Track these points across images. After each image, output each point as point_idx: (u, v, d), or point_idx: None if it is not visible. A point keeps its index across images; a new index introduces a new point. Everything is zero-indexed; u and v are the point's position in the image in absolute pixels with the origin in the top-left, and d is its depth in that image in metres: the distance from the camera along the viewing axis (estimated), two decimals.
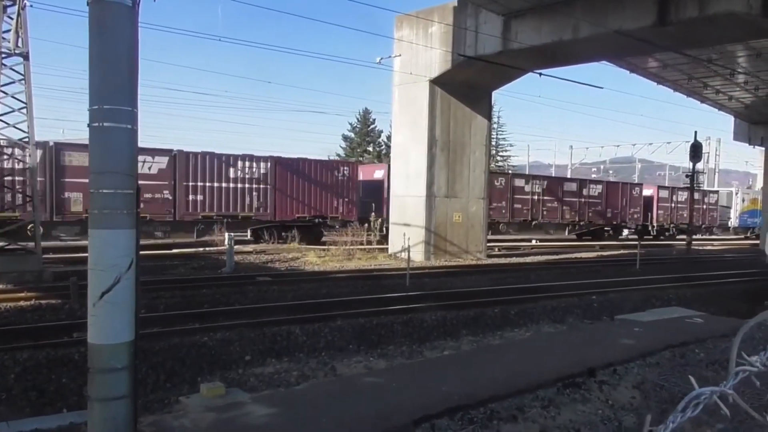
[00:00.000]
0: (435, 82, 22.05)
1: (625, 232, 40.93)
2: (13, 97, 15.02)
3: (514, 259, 24.26)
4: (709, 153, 62.45)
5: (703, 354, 7.89)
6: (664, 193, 42.61)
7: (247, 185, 25.17)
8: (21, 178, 18.40)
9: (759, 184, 54.33)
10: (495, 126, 58.95)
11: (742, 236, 49.74)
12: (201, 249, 23.09)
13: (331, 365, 8.46)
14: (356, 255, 22.17)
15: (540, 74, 20.55)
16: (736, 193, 51.45)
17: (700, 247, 36.44)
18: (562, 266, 22.78)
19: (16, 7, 14.67)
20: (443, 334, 10.94)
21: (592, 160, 76.72)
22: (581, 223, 37.16)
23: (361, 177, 29.57)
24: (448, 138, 22.71)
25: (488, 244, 25.48)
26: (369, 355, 9.25)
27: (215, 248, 22.71)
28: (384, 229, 25.78)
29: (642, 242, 27.08)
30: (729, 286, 18.36)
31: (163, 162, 23.33)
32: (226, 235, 18.79)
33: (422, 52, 22.00)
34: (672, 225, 42.48)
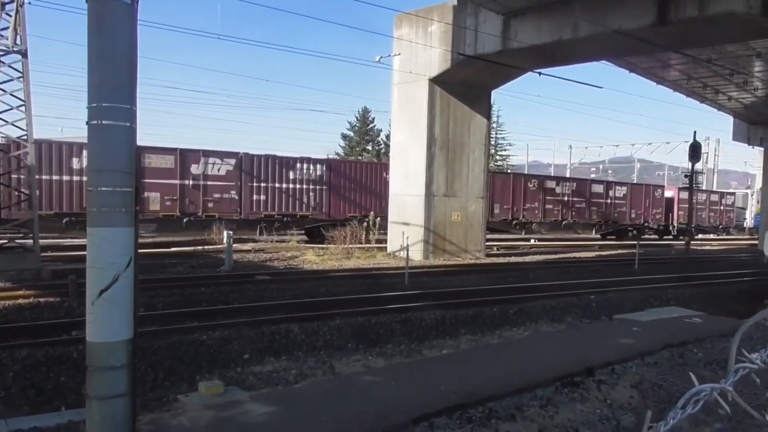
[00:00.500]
0: (434, 81, 22.05)
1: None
2: (11, 94, 15.00)
3: (513, 259, 24.26)
4: (708, 153, 62.45)
5: (701, 354, 7.90)
6: (684, 195, 43.24)
7: (305, 186, 26.71)
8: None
9: (758, 184, 54.42)
10: (494, 125, 58.96)
11: (757, 236, 50.43)
12: (200, 247, 23.10)
13: (330, 364, 8.46)
14: (355, 254, 22.18)
15: (539, 74, 20.56)
16: (752, 195, 52.19)
17: (699, 247, 36.47)
18: (561, 266, 22.78)
19: (15, 4, 14.65)
20: (442, 333, 10.94)
21: (591, 159, 76.72)
22: (607, 224, 38.62)
23: None
24: (447, 137, 22.71)
25: (487, 243, 25.49)
26: (368, 353, 9.25)
27: (214, 247, 22.72)
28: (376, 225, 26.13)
29: (641, 242, 27.08)
30: (728, 286, 18.38)
31: (230, 164, 25.11)
32: (225, 233, 18.79)
33: (422, 51, 21.99)
34: (692, 226, 43.01)
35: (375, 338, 10.37)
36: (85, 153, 20.69)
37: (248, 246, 23.71)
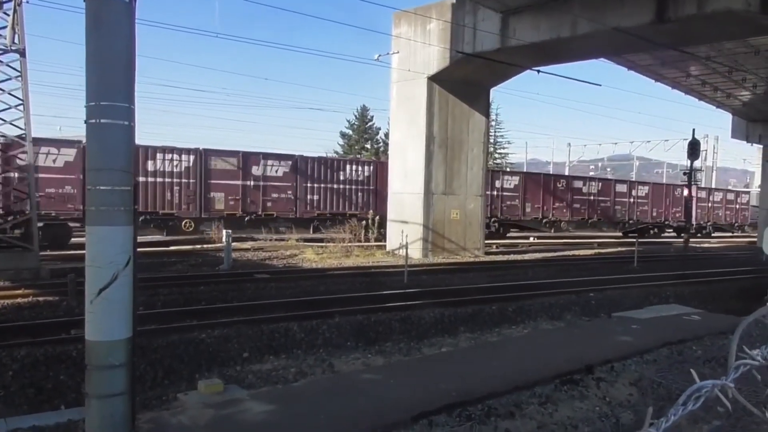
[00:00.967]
0: (433, 79, 22.03)
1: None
2: (9, 93, 14.98)
3: (512, 257, 24.27)
4: (707, 151, 62.48)
5: (700, 351, 7.91)
6: (702, 194, 45.91)
7: (354, 186, 28.54)
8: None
9: (756, 181, 54.56)
10: (493, 123, 58.93)
11: None
12: (199, 246, 23.10)
13: (329, 362, 8.46)
14: (354, 252, 22.18)
15: (538, 71, 20.53)
16: None
17: (698, 245, 36.52)
18: (560, 263, 22.79)
19: (13, 3, 14.62)
20: (441, 331, 10.94)
21: (589, 157, 76.63)
22: (630, 222, 40.06)
23: None
24: (446, 135, 22.70)
25: (486, 242, 25.51)
26: (367, 352, 9.25)
27: (213, 245, 22.73)
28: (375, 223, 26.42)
29: (640, 239, 27.12)
30: (726, 284, 18.39)
31: (287, 166, 27.25)
32: (224, 232, 18.79)
33: (420, 49, 21.97)
34: (709, 223, 45.71)
35: (374, 336, 10.37)
36: (159, 156, 24.71)
37: (247, 245, 23.72)
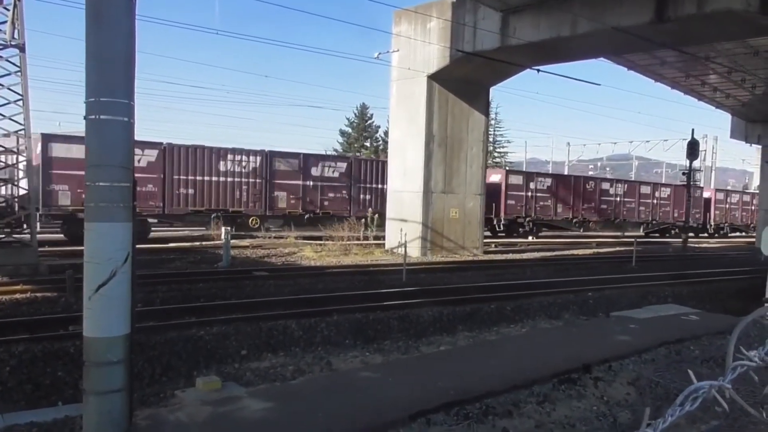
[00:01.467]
0: (433, 77, 22.02)
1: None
2: (9, 88, 14.95)
3: (511, 256, 24.28)
4: (706, 151, 62.50)
5: (698, 351, 7.91)
6: (720, 195, 48.27)
7: None
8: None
9: (755, 182, 54.60)
10: (493, 122, 58.95)
11: None
12: (197, 243, 23.10)
13: (327, 360, 8.47)
14: (353, 250, 22.18)
15: (538, 71, 20.52)
16: None
17: (697, 245, 36.58)
18: (559, 263, 22.80)
19: None
20: (439, 330, 10.95)
21: (589, 156, 76.63)
22: (653, 222, 42.16)
23: None
24: (445, 134, 22.69)
25: (485, 241, 25.52)
26: (365, 350, 9.26)
27: (212, 242, 22.72)
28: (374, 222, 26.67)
29: (639, 239, 27.14)
30: (725, 284, 18.42)
31: (342, 168, 29.49)
32: (223, 229, 18.78)
33: (420, 47, 21.96)
34: (726, 224, 47.45)
35: (373, 335, 10.37)
36: (229, 157, 26.68)
37: (246, 242, 23.72)
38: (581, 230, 37.22)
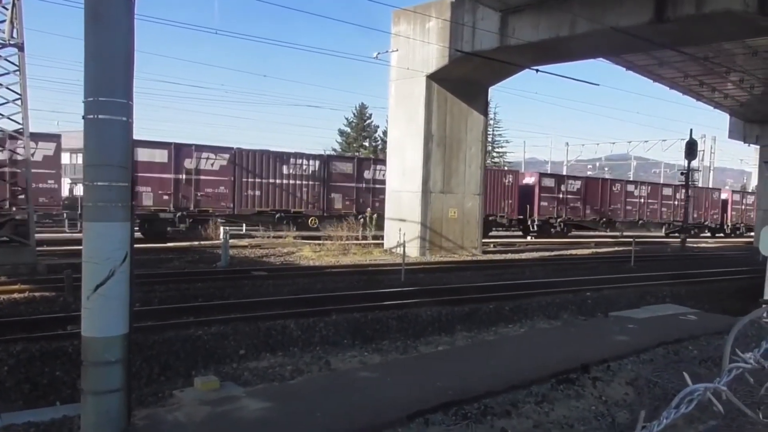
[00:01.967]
0: (432, 77, 22.03)
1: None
2: (7, 88, 14.94)
3: (509, 256, 24.29)
4: (704, 151, 62.55)
5: (696, 351, 7.92)
6: (737, 197, 50.49)
7: None
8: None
9: (753, 182, 54.70)
10: (491, 122, 59.00)
11: None
12: (196, 243, 23.09)
13: (326, 360, 8.46)
14: (351, 250, 22.18)
15: (537, 71, 20.53)
16: None
17: (695, 245, 36.63)
18: (557, 263, 22.81)
19: None
20: (438, 330, 10.95)
21: (587, 156, 76.77)
22: (674, 222, 44.13)
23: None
24: (444, 133, 22.70)
25: (483, 240, 25.53)
26: (364, 349, 9.26)
27: (210, 242, 22.72)
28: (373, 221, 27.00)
29: (637, 239, 27.17)
30: (723, 284, 18.42)
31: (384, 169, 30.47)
32: (222, 229, 18.77)
33: (419, 47, 21.96)
34: (742, 224, 49.48)
35: (371, 334, 10.37)
36: (292, 161, 28.70)
37: (245, 242, 23.72)
38: (607, 230, 39.48)
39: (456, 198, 23.22)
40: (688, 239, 33.27)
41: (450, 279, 16.87)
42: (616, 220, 40.17)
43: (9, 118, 15.15)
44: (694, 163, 39.03)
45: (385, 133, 50.66)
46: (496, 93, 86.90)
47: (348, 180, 30.27)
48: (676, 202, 43.70)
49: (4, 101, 14.97)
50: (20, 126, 15.20)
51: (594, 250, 29.27)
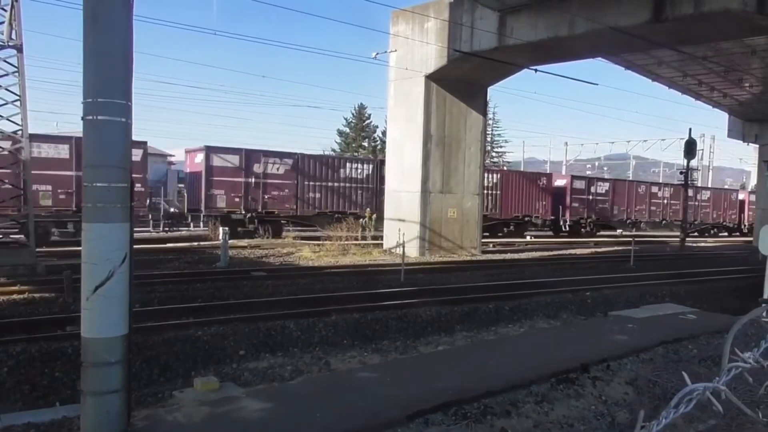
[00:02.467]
0: (430, 77, 22.03)
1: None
2: (6, 89, 14.93)
3: (509, 256, 24.29)
4: (703, 150, 62.58)
5: (696, 350, 7.92)
6: (754, 198, 50.67)
7: (484, 191, 31.25)
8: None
9: (753, 181, 54.80)
10: (490, 122, 59.03)
11: None
12: (195, 243, 23.08)
13: (326, 360, 8.46)
14: (351, 250, 22.18)
15: (535, 70, 20.54)
16: None
17: (694, 244, 36.67)
18: (557, 262, 22.82)
19: None
20: (437, 330, 10.95)
21: (586, 156, 76.73)
22: (694, 223, 45.32)
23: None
24: (443, 133, 22.70)
25: (483, 240, 25.53)
26: (363, 350, 9.25)
27: (209, 243, 22.71)
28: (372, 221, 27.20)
29: (636, 239, 27.19)
30: (722, 283, 18.43)
31: None
32: (221, 229, 18.77)
33: (418, 47, 21.96)
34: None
35: (371, 334, 10.37)
36: (348, 165, 30.42)
37: (244, 242, 23.72)
38: (633, 230, 40.16)
39: (455, 198, 23.23)
40: (705, 237, 34.08)
41: (449, 279, 16.87)
42: (641, 221, 41.98)
43: (8, 120, 15.14)
44: (693, 163, 39.14)
45: (384, 133, 50.69)
46: (495, 93, 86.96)
47: None
48: (696, 203, 45.65)
49: (4, 103, 14.97)
50: (19, 127, 15.19)
51: (593, 250, 29.29)
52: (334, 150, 60.99)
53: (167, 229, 29.39)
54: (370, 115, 64.33)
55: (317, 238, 25.55)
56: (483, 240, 26.19)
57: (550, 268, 20.47)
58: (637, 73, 28.53)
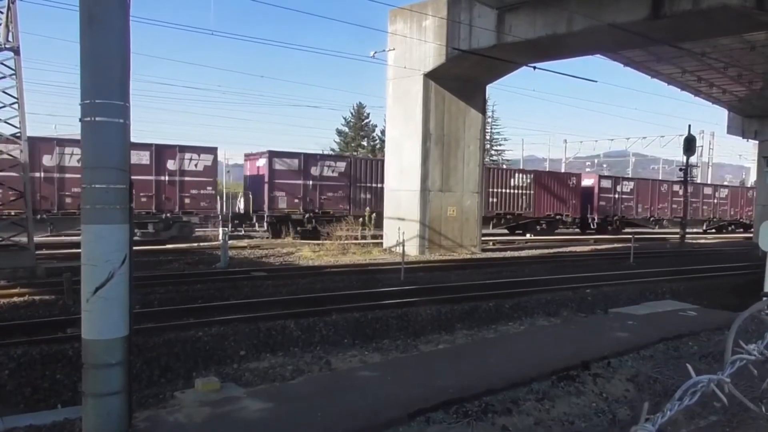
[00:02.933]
0: (429, 75, 22.02)
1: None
2: (4, 92, 14.93)
3: (509, 253, 24.30)
4: (702, 146, 62.57)
5: (696, 347, 7.92)
6: None
7: (519, 191, 35.19)
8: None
9: (752, 177, 54.83)
10: (489, 120, 59.02)
11: None
12: (195, 244, 23.09)
13: (326, 359, 8.46)
14: (351, 249, 22.17)
15: (534, 68, 20.54)
16: None
17: (694, 241, 36.69)
18: (557, 260, 22.82)
19: (6, 1, 14.56)
20: (438, 328, 10.94)
21: (586, 153, 76.74)
22: (714, 219, 47.90)
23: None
24: (442, 132, 22.70)
25: (483, 239, 25.53)
26: (364, 349, 9.25)
27: (209, 243, 22.72)
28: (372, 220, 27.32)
29: (636, 236, 27.19)
30: (722, 279, 18.43)
31: (530, 176, 35.33)
32: (220, 230, 18.77)
33: (416, 45, 21.96)
34: None
35: (371, 334, 10.37)
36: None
37: (244, 242, 23.72)
38: (656, 227, 42.98)
39: (455, 196, 23.22)
40: (723, 233, 34.55)
41: (450, 277, 16.87)
42: (663, 218, 43.88)
43: (6, 122, 15.14)
44: (693, 159, 39.29)
45: (383, 132, 50.67)
46: (493, 91, 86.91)
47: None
48: (715, 201, 47.72)
49: (2, 105, 14.96)
50: (17, 130, 15.18)
51: (593, 247, 29.29)
52: (332, 149, 60.98)
53: (236, 230, 30.90)
54: (368, 114, 64.37)
55: (317, 238, 25.56)
56: (485, 238, 26.24)
57: (549, 266, 20.48)
58: (635, 70, 28.54)
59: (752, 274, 18.99)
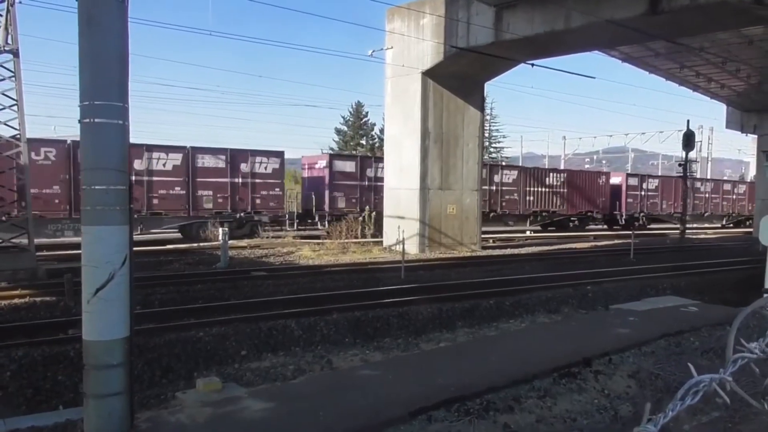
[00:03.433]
0: (427, 74, 22.00)
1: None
2: (3, 94, 14.91)
3: (509, 251, 24.28)
4: (701, 141, 62.56)
5: (698, 342, 7.93)
6: None
7: (554, 190, 36.95)
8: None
9: (752, 172, 54.87)
10: (488, 117, 59.01)
11: None
12: (195, 244, 23.09)
13: (328, 359, 8.46)
14: (351, 248, 22.16)
15: (532, 65, 20.52)
16: None
17: (694, 236, 36.72)
18: (557, 257, 22.82)
19: (6, 3, 14.55)
20: (439, 326, 10.95)
21: (585, 150, 76.77)
22: (732, 215, 49.42)
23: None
24: (441, 130, 22.68)
25: (483, 236, 25.53)
26: (365, 348, 9.25)
27: (209, 243, 22.72)
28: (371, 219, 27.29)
29: (636, 231, 27.21)
30: (723, 275, 18.43)
31: (514, 174, 35.67)
32: (220, 230, 18.77)
33: (414, 44, 21.94)
34: None
35: (372, 332, 10.37)
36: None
37: (244, 242, 23.70)
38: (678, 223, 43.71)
39: (454, 194, 23.21)
40: (741, 227, 34.96)
41: (450, 275, 16.86)
42: (686, 214, 43.66)
43: (6, 124, 15.12)
44: (692, 154, 39.19)
45: (382, 130, 50.66)
46: (492, 88, 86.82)
47: (483, 183, 35.11)
48: (734, 197, 49.33)
49: (1, 107, 14.94)
50: (17, 132, 15.17)
51: (593, 244, 29.29)
52: (332, 148, 60.94)
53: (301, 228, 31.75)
54: (367, 113, 64.33)
55: (317, 237, 25.55)
56: (486, 236, 26.21)
57: (550, 263, 20.47)
58: (634, 66, 28.51)
59: (752, 269, 18.98)
